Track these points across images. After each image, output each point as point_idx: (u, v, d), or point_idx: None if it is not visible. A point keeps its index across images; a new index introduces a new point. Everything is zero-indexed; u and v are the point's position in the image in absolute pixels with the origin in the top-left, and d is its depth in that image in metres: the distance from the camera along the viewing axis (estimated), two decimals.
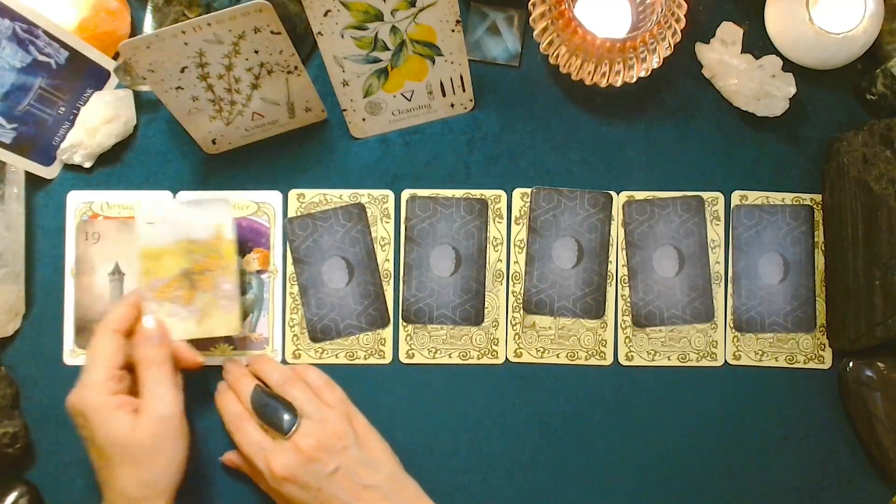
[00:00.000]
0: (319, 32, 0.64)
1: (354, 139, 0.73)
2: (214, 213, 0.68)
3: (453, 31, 0.65)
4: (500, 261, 0.72)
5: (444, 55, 0.67)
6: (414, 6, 0.63)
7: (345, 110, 0.71)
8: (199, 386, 0.69)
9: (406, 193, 0.72)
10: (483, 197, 0.72)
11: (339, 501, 0.62)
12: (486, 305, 0.72)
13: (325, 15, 0.63)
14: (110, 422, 0.61)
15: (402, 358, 0.72)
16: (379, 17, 0.64)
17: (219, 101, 0.67)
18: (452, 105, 0.71)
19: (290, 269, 0.72)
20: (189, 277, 0.67)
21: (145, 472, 0.61)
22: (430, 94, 0.69)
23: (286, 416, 0.64)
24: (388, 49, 0.66)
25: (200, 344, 0.69)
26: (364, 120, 0.71)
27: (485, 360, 0.72)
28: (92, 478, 0.70)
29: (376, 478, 0.64)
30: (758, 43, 0.73)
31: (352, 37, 0.65)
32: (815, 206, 0.73)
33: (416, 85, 0.69)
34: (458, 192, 0.72)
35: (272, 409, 0.65)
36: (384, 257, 0.72)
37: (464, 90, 0.70)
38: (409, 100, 0.70)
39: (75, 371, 0.71)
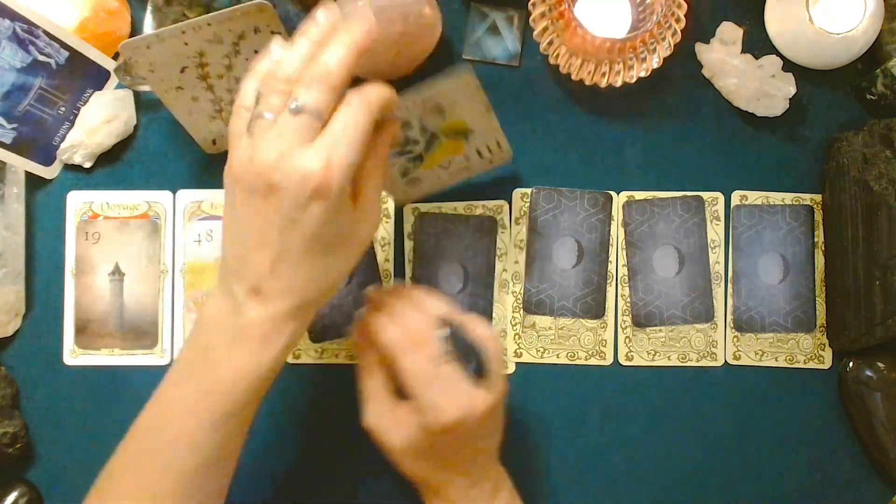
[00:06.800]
0: None
1: None
2: None
3: (484, 115, 0.64)
4: (506, 270, 0.72)
5: (477, 132, 0.66)
6: (442, 115, 0.62)
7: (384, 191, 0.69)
8: None
9: (409, 208, 0.72)
10: (489, 213, 0.72)
11: (474, 465, 0.61)
12: (493, 312, 0.72)
13: None
14: (342, 208, 0.52)
15: None
16: (407, 123, 0.63)
17: (219, 101, 0.67)
18: (491, 161, 0.70)
19: None
20: None
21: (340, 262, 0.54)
22: (467, 159, 0.68)
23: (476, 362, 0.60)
24: (419, 142, 0.65)
25: None
26: (405, 192, 0.70)
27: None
28: (92, 478, 0.70)
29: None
30: (758, 43, 0.73)
31: None
32: (815, 206, 0.73)
33: (453, 157, 0.68)
34: (462, 205, 0.72)
35: (469, 350, 0.59)
36: (384, 257, 0.72)
37: (500, 149, 0.69)
38: (447, 168, 0.68)
39: (75, 371, 0.71)
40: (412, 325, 0.59)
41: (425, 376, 0.58)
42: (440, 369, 0.58)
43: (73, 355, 0.71)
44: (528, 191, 0.72)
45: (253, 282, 0.52)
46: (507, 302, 0.72)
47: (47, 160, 0.71)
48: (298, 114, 0.50)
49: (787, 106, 0.71)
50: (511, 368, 0.71)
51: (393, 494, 0.71)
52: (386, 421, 0.60)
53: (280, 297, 0.52)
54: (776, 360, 0.72)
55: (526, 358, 0.72)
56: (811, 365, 0.72)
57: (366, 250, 0.56)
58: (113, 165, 0.72)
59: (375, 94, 0.53)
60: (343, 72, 0.51)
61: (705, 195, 0.73)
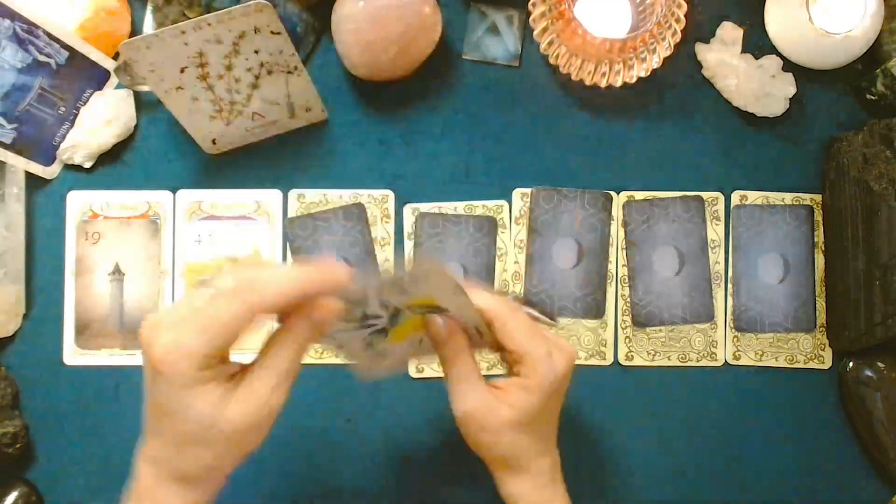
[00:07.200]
0: None
1: (354, 141, 0.73)
2: (253, 233, 0.71)
3: (455, 293, 0.54)
4: (506, 270, 0.72)
5: (453, 311, 0.56)
6: (406, 294, 0.53)
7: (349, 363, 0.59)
8: None
9: (409, 208, 0.72)
10: (489, 213, 0.72)
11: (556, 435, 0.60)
12: None
13: None
14: (198, 398, 0.48)
15: None
16: (362, 302, 0.52)
17: (219, 101, 0.67)
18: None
19: None
20: None
21: (222, 457, 0.50)
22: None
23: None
24: (381, 316, 0.54)
25: None
26: (370, 366, 0.58)
27: (494, 372, 0.72)
28: (92, 478, 0.70)
29: None
30: (758, 43, 0.73)
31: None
32: (815, 206, 0.73)
33: (419, 334, 0.57)
34: (462, 205, 0.72)
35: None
36: (384, 257, 0.72)
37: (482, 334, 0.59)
38: (419, 344, 0.58)
39: (75, 371, 0.71)
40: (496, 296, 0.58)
41: (533, 331, 0.57)
42: (537, 325, 0.57)
43: (73, 355, 0.71)
44: (528, 191, 0.72)
45: (147, 441, 0.52)
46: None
47: (47, 160, 0.71)
48: (208, 289, 0.49)
49: (787, 106, 0.72)
50: None
51: (392, 493, 0.71)
52: (489, 400, 0.58)
53: (160, 461, 0.51)
54: (776, 360, 0.72)
55: None
56: (811, 365, 0.72)
57: (250, 440, 0.50)
58: (113, 165, 0.72)
59: (272, 286, 0.47)
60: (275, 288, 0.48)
61: (705, 195, 0.73)
